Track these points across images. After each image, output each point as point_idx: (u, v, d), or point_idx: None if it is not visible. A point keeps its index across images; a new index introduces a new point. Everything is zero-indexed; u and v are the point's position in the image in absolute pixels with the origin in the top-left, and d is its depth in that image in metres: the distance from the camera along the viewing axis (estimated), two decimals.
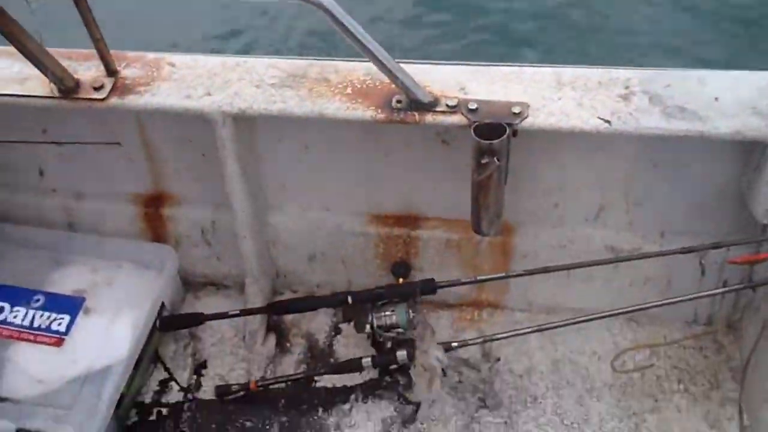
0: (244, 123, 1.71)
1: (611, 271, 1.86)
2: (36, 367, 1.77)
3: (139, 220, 2.04)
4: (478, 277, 1.75)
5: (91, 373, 1.74)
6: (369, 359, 1.75)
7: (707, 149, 1.60)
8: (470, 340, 1.73)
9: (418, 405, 1.83)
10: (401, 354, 1.73)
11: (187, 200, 2.00)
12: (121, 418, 1.83)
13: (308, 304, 1.83)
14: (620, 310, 1.69)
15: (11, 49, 1.65)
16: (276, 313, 1.86)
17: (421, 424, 1.80)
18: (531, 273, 1.69)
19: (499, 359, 1.90)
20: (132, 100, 1.68)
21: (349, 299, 1.76)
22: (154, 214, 2.02)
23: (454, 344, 1.70)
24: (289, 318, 2.02)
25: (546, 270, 1.68)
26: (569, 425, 1.77)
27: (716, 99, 1.54)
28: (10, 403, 1.71)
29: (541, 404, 1.81)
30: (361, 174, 1.86)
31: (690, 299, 1.68)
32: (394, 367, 1.85)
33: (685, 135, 1.51)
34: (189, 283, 2.12)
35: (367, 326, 1.80)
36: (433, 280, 1.74)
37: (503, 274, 1.76)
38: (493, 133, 1.50)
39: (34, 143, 1.90)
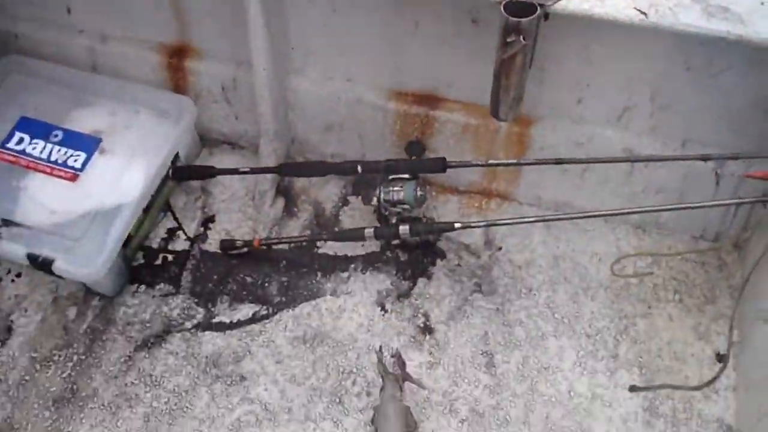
0: None
1: (625, 175, 1.84)
2: (50, 198, 1.82)
3: (161, 70, 2.03)
4: (490, 161, 1.74)
5: (102, 210, 1.79)
6: (372, 230, 1.77)
7: (745, 55, 1.53)
8: (473, 222, 1.74)
9: (414, 282, 1.87)
10: (404, 228, 1.74)
11: (210, 55, 1.98)
12: (128, 258, 1.89)
13: (318, 168, 1.84)
14: (628, 210, 1.68)
15: None
16: (286, 173, 1.87)
17: (415, 300, 1.84)
18: (543, 163, 1.67)
19: (500, 248, 1.92)
20: None
21: (359, 168, 1.76)
22: (176, 65, 2.01)
23: (457, 225, 1.71)
24: (299, 184, 2.04)
25: (559, 161, 1.66)
26: (559, 319, 1.81)
27: (762, 3, 1.47)
28: (24, 229, 1.77)
29: (535, 296, 1.84)
30: (387, 47, 1.82)
31: (700, 207, 1.65)
32: (396, 242, 1.88)
33: (724, 37, 1.45)
34: (205, 140, 2.13)
35: (374, 199, 1.82)
36: (444, 158, 1.73)
37: (514, 161, 1.74)
38: (524, 12, 1.45)
39: None
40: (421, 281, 1.87)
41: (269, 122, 1.91)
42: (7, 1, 2.03)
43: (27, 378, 1.75)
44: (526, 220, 1.73)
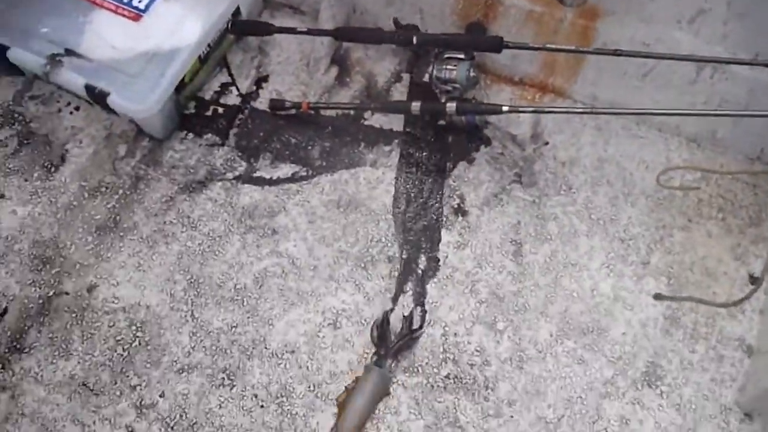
0: None
1: (688, 83, 1.77)
2: (112, 35, 1.86)
3: None
4: (547, 45, 1.69)
5: (160, 52, 1.83)
6: (418, 104, 1.76)
7: None
8: (522, 107, 1.71)
9: (455, 164, 1.87)
10: (451, 106, 1.73)
11: None
12: (181, 105, 1.94)
13: (374, 35, 1.82)
14: (685, 111, 1.62)
15: None
16: (342, 37, 1.86)
17: (453, 182, 1.84)
18: (603, 53, 1.62)
19: (547, 143, 1.89)
20: None
21: (415, 39, 1.74)
22: None
23: (505, 108, 1.68)
24: (354, 55, 2.03)
25: (618, 53, 1.61)
26: (595, 220, 1.79)
27: None
28: (85, 61, 1.82)
29: (574, 194, 1.82)
30: None
31: (761, 116, 1.58)
32: (442, 123, 1.87)
33: None
34: (267, 1, 2.13)
35: (426, 75, 1.80)
36: (501, 38, 1.69)
37: (574, 47, 1.68)
38: None
39: None
40: (462, 165, 1.87)
41: None
42: None
43: (75, 204, 1.84)
44: (576, 110, 1.68)
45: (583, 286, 1.71)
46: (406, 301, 1.69)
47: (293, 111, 1.93)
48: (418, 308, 1.67)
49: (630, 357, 1.63)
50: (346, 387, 1.60)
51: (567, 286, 1.71)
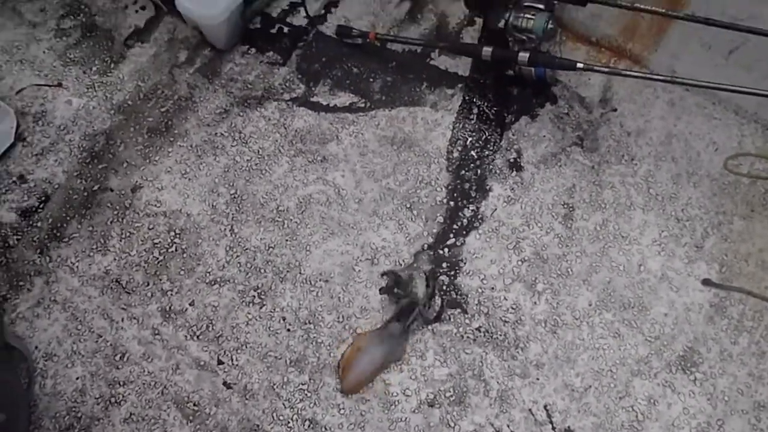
0: None
1: None
2: None
3: None
4: (636, 4, 1.60)
5: None
6: (490, 49, 1.70)
7: None
8: (597, 66, 1.63)
9: (517, 117, 1.80)
10: (523, 55, 1.66)
11: None
12: (247, 18, 1.89)
13: None
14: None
15: None
16: None
17: (513, 135, 1.79)
18: (692, 19, 1.53)
19: (615, 110, 1.81)
20: None
21: None
22: None
23: (580, 65, 1.61)
24: None
25: (710, 22, 1.52)
26: (653, 195, 1.72)
27: None
28: None
29: (636, 166, 1.75)
30: None
31: None
32: (510, 73, 1.80)
33: None
34: None
35: (502, 21, 1.73)
36: None
37: (662, 10, 1.60)
38: None
39: None
40: (524, 119, 1.80)
41: None
42: None
43: (130, 103, 1.82)
44: (655, 77, 1.60)
45: (631, 260, 1.65)
46: (444, 252, 1.66)
47: (359, 40, 1.88)
48: (438, 300, 1.61)
49: (668, 339, 1.58)
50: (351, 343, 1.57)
51: (614, 257, 1.65)
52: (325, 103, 1.82)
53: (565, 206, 1.71)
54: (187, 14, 1.76)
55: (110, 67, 1.87)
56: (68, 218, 1.69)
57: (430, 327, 1.58)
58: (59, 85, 1.84)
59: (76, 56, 1.88)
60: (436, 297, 1.61)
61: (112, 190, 1.72)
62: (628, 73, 1.62)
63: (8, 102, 1.81)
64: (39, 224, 1.69)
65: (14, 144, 1.76)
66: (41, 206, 1.71)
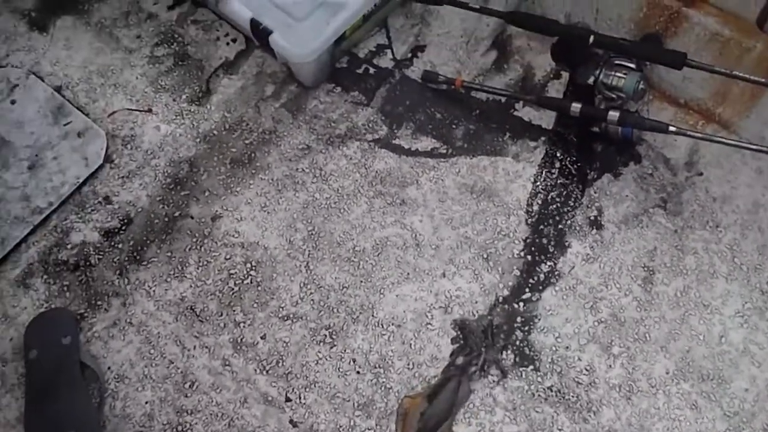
0: None
1: None
2: None
3: None
4: (735, 72, 1.58)
5: (329, 2, 1.82)
6: (579, 106, 1.69)
7: None
8: (690, 131, 1.61)
9: (600, 174, 1.79)
10: (613, 114, 1.65)
11: None
12: (335, 57, 1.92)
13: (549, 26, 1.75)
14: None
15: None
16: (514, 22, 1.79)
17: (595, 192, 1.77)
18: None
19: (701, 174, 1.78)
20: None
21: (591, 38, 1.66)
22: None
23: (672, 128, 1.59)
24: (516, 43, 1.97)
25: None
26: (738, 265, 1.67)
27: None
28: None
29: (720, 233, 1.71)
30: None
31: None
32: (596, 129, 1.79)
33: None
34: None
35: (592, 78, 1.72)
36: (685, 54, 1.59)
37: (762, 80, 1.57)
38: None
39: None
40: (607, 177, 1.78)
41: None
42: None
43: (215, 132, 1.86)
44: (750, 146, 1.57)
45: (712, 330, 1.61)
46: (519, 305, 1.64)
47: (444, 86, 1.88)
48: (509, 354, 1.59)
49: (748, 416, 1.53)
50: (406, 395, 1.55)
51: (694, 326, 1.61)
52: (406, 147, 1.83)
53: (646, 269, 1.67)
54: (279, 51, 1.80)
55: (199, 97, 1.91)
56: (148, 242, 1.72)
57: (500, 382, 1.55)
58: (149, 110, 1.89)
59: (167, 83, 1.93)
60: (506, 351, 1.59)
61: (192, 218, 1.75)
62: (720, 139, 1.59)
63: (100, 124, 1.86)
64: (120, 246, 1.72)
65: (103, 165, 1.81)
66: (123, 228, 1.74)
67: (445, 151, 1.82)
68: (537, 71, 1.93)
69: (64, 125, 1.86)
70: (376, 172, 1.79)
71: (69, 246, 1.73)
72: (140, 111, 1.89)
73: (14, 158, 1.82)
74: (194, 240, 1.72)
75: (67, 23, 2.03)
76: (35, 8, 2.06)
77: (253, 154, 1.83)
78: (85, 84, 1.93)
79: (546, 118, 1.86)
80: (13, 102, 1.90)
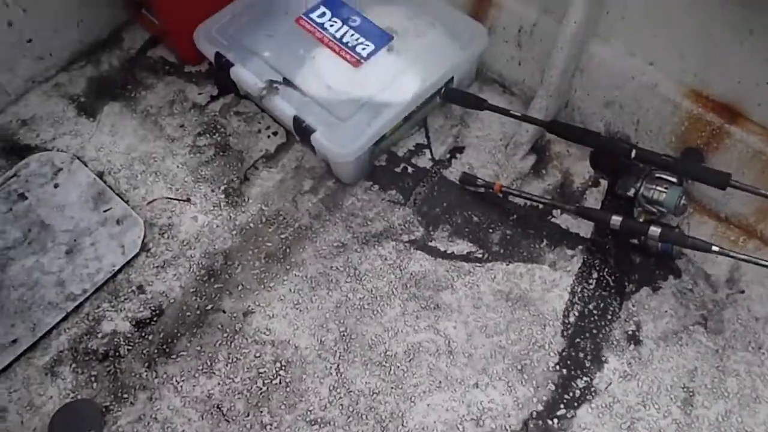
0: None
1: None
2: (330, 75, 1.89)
3: None
4: None
5: (371, 102, 1.84)
6: (619, 219, 1.68)
7: None
8: (733, 252, 1.58)
9: (638, 288, 1.76)
10: (654, 230, 1.63)
11: None
12: (374, 155, 1.94)
13: (589, 138, 1.75)
14: None
15: None
16: (555, 131, 1.80)
17: (633, 306, 1.73)
18: None
19: (743, 292, 1.74)
20: None
21: (633, 153, 1.66)
22: None
23: (715, 248, 1.57)
24: (555, 149, 1.98)
25: None
26: None
27: None
28: (299, 93, 1.86)
29: (763, 355, 1.66)
30: (706, 42, 1.67)
31: None
32: (635, 241, 1.77)
33: None
34: (480, 73, 2.11)
35: (632, 190, 1.72)
36: (729, 174, 1.58)
37: None
38: None
39: None
40: (646, 290, 1.75)
41: (554, 78, 1.85)
42: None
43: (251, 225, 1.87)
44: None
45: None
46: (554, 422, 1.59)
47: (482, 189, 1.88)
48: None
49: None
50: None
51: None
52: (442, 249, 1.82)
53: (685, 390, 1.62)
54: (320, 150, 1.82)
55: (237, 188, 1.92)
56: (179, 335, 1.71)
57: None
58: (188, 200, 1.90)
59: (207, 173, 1.95)
60: None
61: (224, 312, 1.74)
62: (764, 263, 1.56)
63: (139, 212, 1.88)
64: (150, 337, 1.71)
65: (139, 254, 1.81)
66: (155, 319, 1.73)
67: (481, 256, 1.81)
68: (575, 178, 1.93)
69: (104, 211, 1.88)
70: (411, 274, 1.78)
71: (100, 335, 1.72)
72: (179, 200, 1.91)
73: (53, 242, 1.83)
74: (225, 335, 1.71)
75: (115, 109, 2.08)
76: (84, 93, 2.12)
77: (288, 250, 1.82)
78: (127, 170, 1.96)
79: (584, 227, 1.84)
80: (56, 186, 1.93)
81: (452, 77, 1.95)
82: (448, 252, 1.82)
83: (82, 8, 2.12)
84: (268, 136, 2.02)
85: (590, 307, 1.73)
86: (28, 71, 2.09)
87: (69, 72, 2.16)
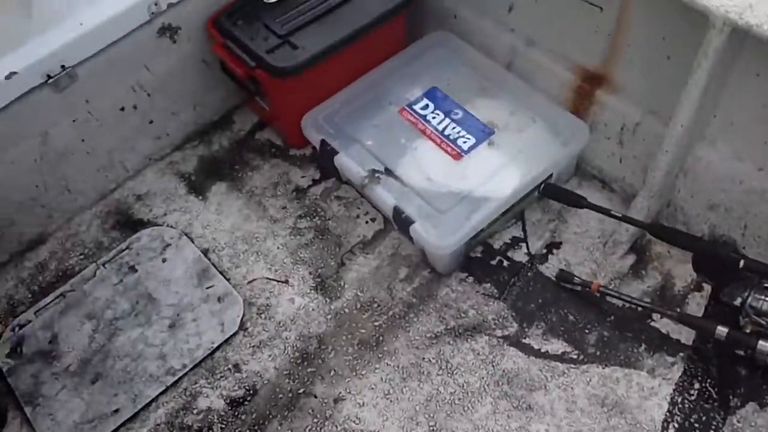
0: (739, 40, 1.57)
1: None
2: (432, 167, 1.93)
3: (568, 89, 2.05)
4: None
5: (471, 196, 1.86)
6: (725, 330, 1.62)
7: None
8: None
9: (744, 403, 1.67)
10: (765, 345, 1.57)
11: (625, 93, 1.94)
12: (471, 246, 1.95)
13: (694, 243, 1.72)
14: None
15: None
16: (657, 235, 1.77)
17: (738, 422, 1.65)
18: None
19: None
20: None
21: (742, 263, 1.62)
22: (586, 91, 2.01)
23: None
24: (656, 250, 1.93)
25: None
26: None
27: None
28: (400, 184, 1.91)
29: None
30: None
31: None
32: (741, 353, 1.70)
33: None
34: (579, 167, 2.11)
35: (739, 299, 1.66)
36: None
37: None
38: None
39: None
40: (752, 406, 1.67)
41: (658, 179, 1.83)
42: None
43: (346, 311, 1.90)
44: None
45: None
46: None
47: (579, 288, 1.86)
48: None
49: None
50: None
51: None
52: (536, 347, 1.80)
53: None
54: (418, 241, 1.84)
55: (334, 273, 1.97)
56: (271, 417, 1.74)
57: None
58: (286, 281, 1.96)
59: (305, 256, 2.01)
60: None
61: (315, 397, 1.76)
62: None
63: (239, 290, 1.94)
64: (243, 417, 1.75)
65: (237, 332, 1.87)
66: (249, 399, 1.77)
67: (576, 357, 1.77)
68: (677, 281, 1.88)
69: (207, 288, 1.95)
70: (504, 371, 1.76)
71: (195, 411, 1.77)
72: (278, 281, 1.96)
73: (157, 316, 1.92)
74: (315, 421, 1.72)
75: (222, 189, 2.18)
76: (195, 172, 2.24)
77: (381, 338, 1.84)
78: (230, 249, 2.04)
79: (686, 333, 1.78)
80: (164, 260, 2.02)
81: (551, 173, 1.95)
82: (542, 350, 1.79)
83: (200, 94, 2.26)
84: (366, 222, 2.07)
85: (691, 419, 1.66)
86: (146, 149, 2.23)
87: (182, 150, 2.29)
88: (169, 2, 2.01)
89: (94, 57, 1.93)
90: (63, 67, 1.87)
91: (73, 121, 2.00)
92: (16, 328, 1.93)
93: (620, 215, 1.81)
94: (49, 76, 1.86)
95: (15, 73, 1.79)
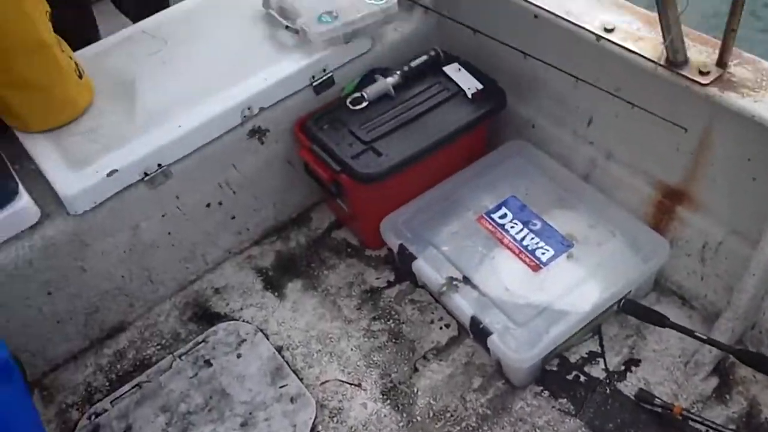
0: None
1: None
2: (510, 277, 1.93)
3: (649, 204, 2.05)
4: None
5: (550, 309, 1.85)
6: None
7: None
8: None
9: None
10: None
11: (707, 211, 1.93)
12: (547, 360, 1.93)
13: None
14: None
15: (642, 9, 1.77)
16: (743, 360, 1.73)
17: None
18: None
19: None
20: (731, 98, 1.66)
21: None
22: (667, 207, 2.00)
23: None
24: (740, 373, 1.87)
25: None
26: None
27: None
28: (477, 292, 1.91)
29: None
30: None
31: None
32: None
33: None
34: (658, 283, 2.08)
35: None
36: None
37: None
38: None
39: (606, 92, 1.97)
40: None
41: (744, 301, 1.79)
42: (542, 96, 2.23)
43: (418, 419, 1.88)
44: None
45: None
46: None
47: (660, 410, 1.81)
48: None
49: None
50: None
51: None
52: None
53: None
54: (495, 352, 1.83)
55: (407, 379, 1.96)
56: None
57: None
58: (359, 385, 1.96)
59: (378, 359, 2.01)
60: None
61: None
62: None
63: (312, 391, 1.95)
64: None
65: None
66: None
67: None
68: (764, 408, 1.81)
69: (280, 387, 1.96)
70: None
71: None
72: (350, 384, 1.96)
73: (230, 412, 1.93)
74: None
75: (297, 286, 2.22)
76: (272, 267, 2.29)
77: None
78: (304, 348, 2.06)
79: None
80: (239, 356, 2.05)
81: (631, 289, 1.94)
82: None
83: (281, 192, 2.33)
84: (441, 328, 2.07)
85: None
86: (226, 243, 2.30)
87: (261, 246, 2.36)
88: (261, 106, 2.11)
89: (188, 156, 2.03)
90: (159, 165, 1.97)
91: (163, 215, 2.08)
92: (93, 417, 1.96)
93: (704, 337, 1.77)
94: (146, 174, 1.95)
95: (116, 170, 1.89)
